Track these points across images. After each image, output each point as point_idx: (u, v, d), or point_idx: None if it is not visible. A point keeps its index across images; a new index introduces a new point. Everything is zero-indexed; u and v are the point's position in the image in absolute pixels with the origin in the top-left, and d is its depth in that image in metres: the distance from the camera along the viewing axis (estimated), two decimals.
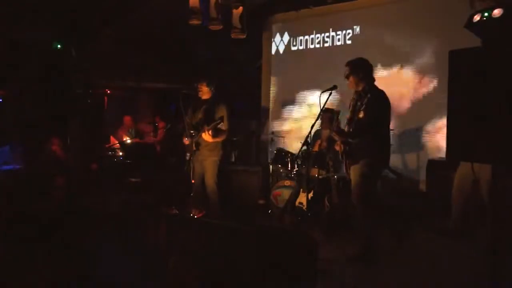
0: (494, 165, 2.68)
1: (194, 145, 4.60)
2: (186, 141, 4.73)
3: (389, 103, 3.71)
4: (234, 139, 6.39)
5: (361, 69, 3.72)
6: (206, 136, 4.45)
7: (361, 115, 3.56)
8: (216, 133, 4.47)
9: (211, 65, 7.33)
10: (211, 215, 4.60)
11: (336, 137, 3.79)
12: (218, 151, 4.68)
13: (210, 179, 4.63)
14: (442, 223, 4.52)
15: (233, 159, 6.59)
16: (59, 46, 6.43)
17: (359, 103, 3.65)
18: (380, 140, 3.67)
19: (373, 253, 3.63)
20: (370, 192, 3.68)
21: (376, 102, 3.58)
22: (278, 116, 7.30)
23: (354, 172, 3.68)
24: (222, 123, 4.40)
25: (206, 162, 4.64)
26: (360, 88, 3.71)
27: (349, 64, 3.78)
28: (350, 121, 3.74)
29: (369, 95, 3.57)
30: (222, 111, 4.54)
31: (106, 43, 7.07)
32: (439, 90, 5.42)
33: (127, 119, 7.82)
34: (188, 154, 4.72)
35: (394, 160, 5.87)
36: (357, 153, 3.66)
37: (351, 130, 3.70)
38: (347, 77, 3.76)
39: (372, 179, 3.73)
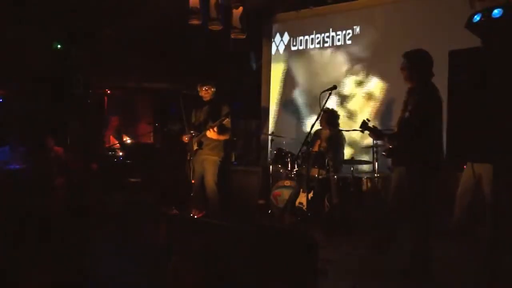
0: (494, 165, 2.68)
1: (196, 144, 4.61)
2: (185, 138, 4.73)
3: (440, 103, 3.25)
4: (234, 139, 6.39)
5: (417, 64, 3.37)
6: (211, 133, 4.46)
7: (407, 115, 3.35)
8: (221, 130, 4.49)
9: (211, 65, 7.32)
10: (211, 215, 4.60)
11: (372, 137, 3.66)
12: (219, 151, 4.69)
13: (210, 179, 4.63)
14: (442, 223, 4.52)
15: (233, 159, 6.60)
16: (59, 46, 6.43)
17: (408, 103, 3.40)
18: (429, 143, 3.29)
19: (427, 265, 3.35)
20: (424, 201, 3.34)
21: (425, 103, 3.26)
22: (278, 116, 7.31)
23: (406, 180, 3.41)
24: (227, 119, 4.41)
25: (207, 162, 4.64)
26: (413, 85, 3.42)
27: (406, 56, 3.42)
28: (399, 121, 3.50)
29: (416, 96, 3.30)
30: (225, 110, 4.58)
31: (106, 43, 7.07)
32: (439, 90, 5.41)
33: (114, 119, 7.77)
34: (188, 154, 4.73)
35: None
36: (403, 155, 3.42)
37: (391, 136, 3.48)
38: (402, 69, 3.45)
39: (424, 186, 3.34)
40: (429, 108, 3.25)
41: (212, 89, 4.71)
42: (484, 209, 3.79)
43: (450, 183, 4.48)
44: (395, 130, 3.59)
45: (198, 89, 4.72)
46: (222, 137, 4.61)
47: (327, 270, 3.38)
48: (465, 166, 4.11)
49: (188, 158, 4.72)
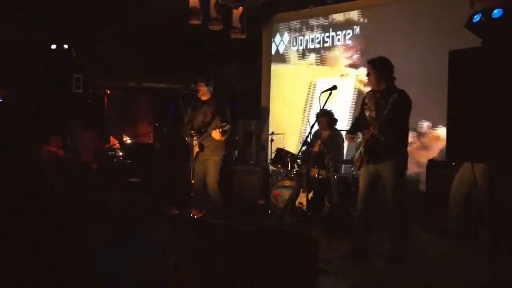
0: (494, 165, 2.68)
1: (197, 146, 4.61)
2: (194, 143, 4.71)
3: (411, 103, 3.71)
4: (237, 138, 6.39)
5: (384, 68, 3.69)
6: (216, 133, 4.45)
7: (385, 113, 3.50)
8: (223, 132, 4.51)
9: (211, 65, 7.33)
10: (211, 215, 4.60)
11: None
12: (220, 151, 4.70)
13: (212, 179, 4.64)
14: (442, 223, 4.52)
15: (233, 159, 6.59)
16: (65, 46, 6.41)
17: (382, 101, 3.60)
18: (405, 140, 3.71)
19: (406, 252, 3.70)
20: (403, 194, 3.72)
21: (405, 103, 3.58)
22: (278, 116, 7.30)
23: (386, 173, 3.65)
24: (228, 126, 4.43)
25: (209, 162, 4.65)
26: (382, 87, 3.68)
27: (371, 62, 3.72)
28: (373, 120, 3.66)
29: (395, 95, 3.51)
30: (224, 110, 4.58)
31: (106, 43, 7.07)
32: (439, 90, 5.41)
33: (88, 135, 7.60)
34: (190, 155, 4.73)
35: None
36: (381, 152, 3.62)
37: (374, 127, 3.62)
38: (368, 75, 3.72)
39: (404, 178, 3.78)
40: (410, 106, 3.61)
41: (205, 87, 4.68)
42: (481, 210, 3.82)
43: (450, 183, 4.47)
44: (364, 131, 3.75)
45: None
46: (223, 138, 4.62)
47: (327, 270, 3.38)
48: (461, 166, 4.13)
49: (191, 158, 4.72)
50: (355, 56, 6.37)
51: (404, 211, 3.69)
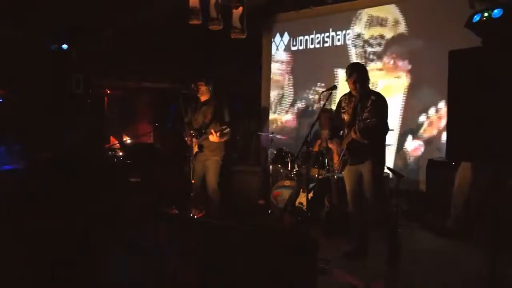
0: (494, 165, 2.68)
1: (197, 147, 4.61)
2: (189, 141, 4.73)
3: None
4: (238, 138, 6.39)
5: (362, 72, 3.75)
6: (214, 137, 4.45)
7: (365, 116, 3.53)
8: (221, 134, 4.49)
9: (211, 65, 7.33)
10: (211, 215, 4.60)
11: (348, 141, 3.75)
12: (220, 151, 4.69)
13: (212, 179, 4.63)
14: (442, 223, 4.52)
15: (233, 159, 6.59)
16: (64, 46, 6.40)
17: (360, 105, 3.64)
18: (384, 140, 3.77)
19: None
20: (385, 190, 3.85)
21: (382, 104, 3.63)
22: (278, 116, 7.31)
23: (367, 173, 3.69)
24: (228, 129, 4.42)
25: (209, 162, 4.64)
26: (359, 91, 3.73)
27: (351, 67, 3.79)
28: (351, 123, 3.69)
29: (373, 97, 3.58)
30: (223, 111, 4.58)
31: (106, 43, 7.07)
32: (439, 90, 5.42)
33: None
34: (190, 154, 4.73)
35: (395, 160, 5.87)
36: (362, 153, 3.66)
37: (355, 131, 3.63)
38: (348, 79, 3.75)
39: (383, 178, 3.88)
40: (386, 108, 3.68)
41: (204, 87, 4.66)
42: (482, 210, 3.83)
43: (450, 183, 4.47)
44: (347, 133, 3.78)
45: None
46: (222, 139, 4.61)
47: (327, 270, 3.38)
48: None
49: (190, 157, 4.72)
50: (355, 56, 6.37)
51: (388, 208, 3.79)
